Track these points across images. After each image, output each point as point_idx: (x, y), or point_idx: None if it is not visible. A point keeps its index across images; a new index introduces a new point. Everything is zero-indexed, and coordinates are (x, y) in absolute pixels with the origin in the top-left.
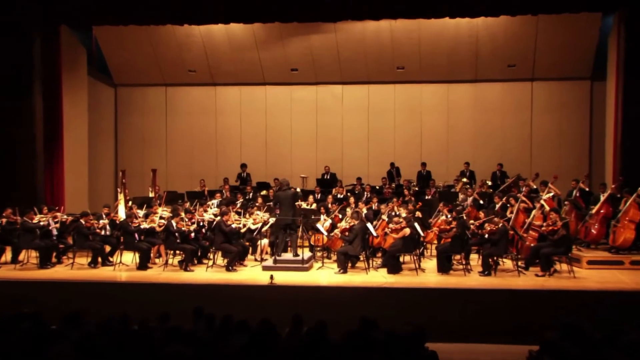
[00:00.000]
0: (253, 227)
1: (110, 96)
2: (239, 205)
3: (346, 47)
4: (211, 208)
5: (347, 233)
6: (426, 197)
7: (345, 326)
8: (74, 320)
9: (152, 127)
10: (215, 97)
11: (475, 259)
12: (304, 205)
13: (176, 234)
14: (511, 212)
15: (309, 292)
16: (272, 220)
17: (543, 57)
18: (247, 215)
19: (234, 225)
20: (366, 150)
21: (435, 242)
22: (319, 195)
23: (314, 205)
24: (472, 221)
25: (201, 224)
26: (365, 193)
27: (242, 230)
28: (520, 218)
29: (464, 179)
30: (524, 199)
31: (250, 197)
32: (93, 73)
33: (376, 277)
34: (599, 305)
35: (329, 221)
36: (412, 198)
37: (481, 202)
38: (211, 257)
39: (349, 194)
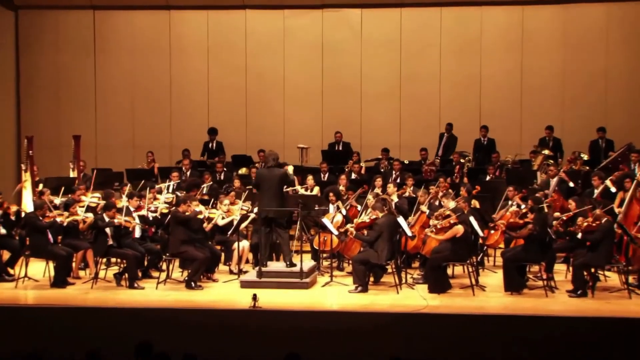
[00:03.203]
0: (222, 222)
1: (9, 24)
2: (205, 190)
3: None
4: (164, 192)
5: (365, 231)
6: (487, 178)
7: None
8: None
9: (73, 72)
10: (169, 28)
11: (562, 271)
12: (301, 190)
13: (111, 233)
14: (621, 204)
15: (310, 320)
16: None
17: None
18: (218, 206)
19: (197, 209)
20: (397, 108)
21: (502, 245)
22: (327, 174)
23: (316, 190)
24: (557, 214)
25: (151, 217)
26: (394, 172)
27: (208, 227)
28: (635, 211)
29: (546, 151)
30: None
31: (223, 177)
32: None
33: (412, 297)
34: None
35: (341, 214)
36: (467, 179)
37: (571, 184)
38: (164, 267)
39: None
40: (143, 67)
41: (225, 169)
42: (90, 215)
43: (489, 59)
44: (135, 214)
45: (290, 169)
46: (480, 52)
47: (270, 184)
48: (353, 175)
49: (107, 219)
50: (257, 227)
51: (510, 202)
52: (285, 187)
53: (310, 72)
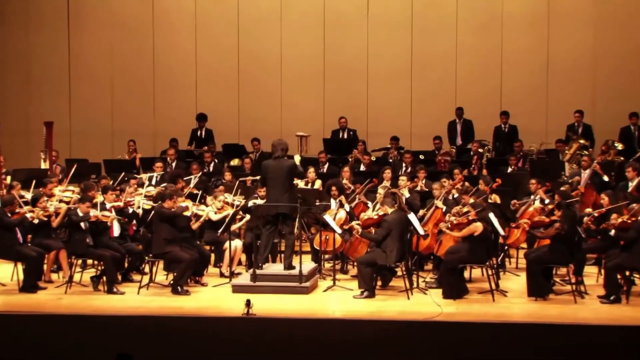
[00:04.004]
0: (215, 217)
1: None
2: (193, 184)
3: None
4: (145, 185)
5: (373, 229)
6: (509, 170)
7: None
8: None
9: (44, 51)
10: (152, 2)
11: (593, 274)
12: (300, 184)
13: (87, 231)
14: None
15: (310, 329)
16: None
17: None
18: (210, 201)
19: (183, 204)
20: (408, 92)
21: (525, 245)
22: (326, 166)
23: (318, 184)
24: (588, 210)
25: (130, 210)
26: (404, 164)
27: (195, 225)
28: None
29: (582, 140)
30: None
31: (212, 169)
32: None
33: (424, 303)
34: None
35: (345, 211)
36: (486, 171)
37: (605, 177)
38: (147, 269)
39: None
40: (123, 46)
41: (215, 159)
42: (63, 206)
43: (511, 36)
44: (113, 210)
45: (297, 159)
46: (501, 29)
47: (278, 176)
48: (362, 167)
49: (80, 213)
50: (251, 224)
51: (532, 197)
52: (297, 177)
53: (311, 51)
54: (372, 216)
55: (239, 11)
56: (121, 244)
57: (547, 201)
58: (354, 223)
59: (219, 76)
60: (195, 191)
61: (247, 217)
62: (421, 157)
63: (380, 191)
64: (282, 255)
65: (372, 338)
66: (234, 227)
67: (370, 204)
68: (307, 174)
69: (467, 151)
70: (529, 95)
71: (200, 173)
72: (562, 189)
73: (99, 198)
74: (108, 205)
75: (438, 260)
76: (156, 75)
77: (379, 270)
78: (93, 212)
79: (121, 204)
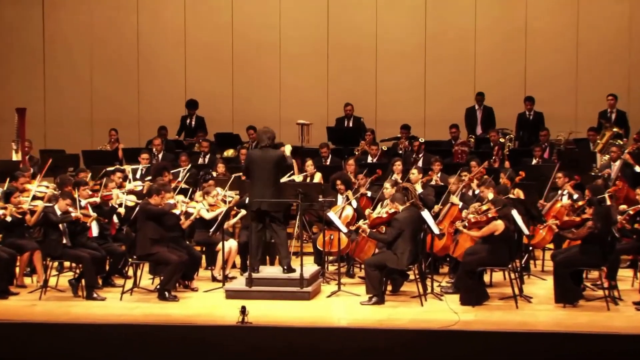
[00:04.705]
0: (208, 216)
1: None
2: (182, 177)
3: None
4: (130, 180)
5: (383, 228)
6: (534, 162)
7: None
8: None
9: (16, 28)
10: None
11: (627, 278)
12: (298, 178)
13: (63, 230)
14: None
15: (312, 339)
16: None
17: None
18: (200, 196)
19: (172, 201)
20: (421, 75)
21: (551, 246)
22: (329, 157)
23: (318, 178)
24: (622, 206)
25: (110, 205)
26: (415, 154)
27: (185, 224)
28: None
29: (615, 128)
30: None
31: (206, 161)
32: None
33: (439, 310)
34: None
35: (352, 207)
36: (508, 163)
37: (637, 168)
38: (130, 272)
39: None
40: (104, 22)
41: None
42: (39, 203)
43: (537, 13)
44: (89, 207)
45: (287, 150)
46: (526, 4)
47: (263, 168)
48: (369, 159)
49: (59, 212)
50: (246, 222)
51: (560, 192)
52: (282, 172)
53: (313, 29)
54: (382, 214)
55: None
56: (101, 245)
57: (575, 197)
58: (361, 222)
59: (210, 57)
60: (185, 185)
61: (243, 212)
62: (421, 139)
63: (387, 185)
64: (278, 255)
65: (381, 349)
66: (227, 224)
67: (369, 194)
68: (305, 167)
69: (487, 141)
70: (556, 79)
71: (190, 165)
72: (594, 183)
73: (76, 194)
74: (83, 202)
75: (455, 263)
76: (141, 57)
77: (388, 274)
78: (74, 213)
79: (97, 199)
